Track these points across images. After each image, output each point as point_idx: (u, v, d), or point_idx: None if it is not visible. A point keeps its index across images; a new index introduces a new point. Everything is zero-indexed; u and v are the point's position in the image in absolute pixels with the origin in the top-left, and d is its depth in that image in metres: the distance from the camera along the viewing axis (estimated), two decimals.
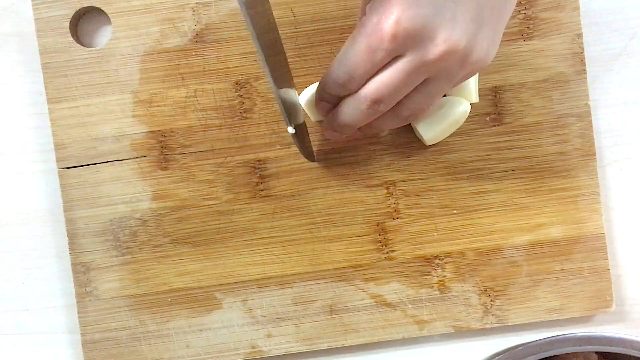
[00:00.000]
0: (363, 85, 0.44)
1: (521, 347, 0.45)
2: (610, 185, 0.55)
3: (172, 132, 0.53)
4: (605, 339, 0.44)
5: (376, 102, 0.44)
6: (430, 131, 0.51)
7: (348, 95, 0.45)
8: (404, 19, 0.40)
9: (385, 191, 0.54)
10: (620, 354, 0.45)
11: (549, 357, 0.45)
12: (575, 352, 0.46)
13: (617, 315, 0.55)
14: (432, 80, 0.44)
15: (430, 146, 0.53)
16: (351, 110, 0.45)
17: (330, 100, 0.47)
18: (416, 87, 0.44)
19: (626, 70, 0.55)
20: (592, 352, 0.47)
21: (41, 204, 0.55)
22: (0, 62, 0.55)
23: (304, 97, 0.50)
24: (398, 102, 0.45)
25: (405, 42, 0.41)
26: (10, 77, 0.55)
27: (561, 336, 0.45)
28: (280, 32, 0.52)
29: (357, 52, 0.42)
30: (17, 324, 0.55)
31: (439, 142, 0.53)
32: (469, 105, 0.52)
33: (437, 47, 0.41)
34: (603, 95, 0.55)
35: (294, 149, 0.53)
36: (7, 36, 0.55)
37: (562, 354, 0.45)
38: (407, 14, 0.40)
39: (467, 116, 0.52)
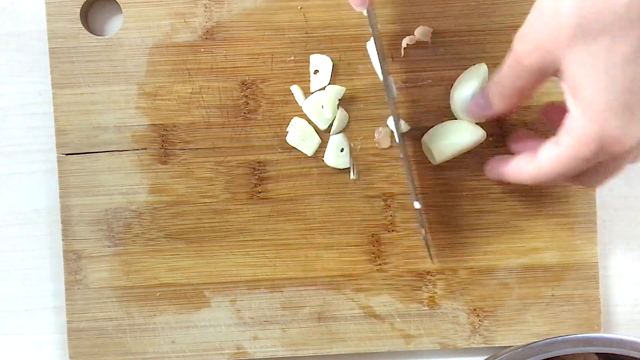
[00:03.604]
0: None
1: (521, 349, 0.45)
2: (610, 185, 0.55)
3: (175, 127, 0.53)
4: (605, 340, 0.45)
5: (557, 178, 0.45)
6: (442, 154, 0.51)
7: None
8: (632, 143, 0.41)
9: (383, 203, 0.53)
10: (620, 355, 0.45)
11: (549, 358, 0.45)
12: (575, 353, 0.46)
13: (616, 316, 0.55)
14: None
15: (430, 162, 0.53)
16: (527, 174, 0.46)
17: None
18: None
19: None
20: (592, 353, 0.47)
21: (40, 204, 0.55)
22: (0, 62, 0.54)
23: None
24: None
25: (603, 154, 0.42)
26: (9, 77, 0.54)
27: (561, 337, 0.45)
28: (290, 35, 0.53)
29: (569, 167, 0.43)
30: (17, 324, 0.55)
31: None
32: (485, 134, 0.51)
33: (631, 151, 0.42)
34: None
35: (295, 153, 0.53)
36: (7, 36, 0.54)
37: (562, 355, 0.46)
38: (634, 139, 0.41)
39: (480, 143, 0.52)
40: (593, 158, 0.42)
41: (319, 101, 0.52)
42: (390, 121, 0.53)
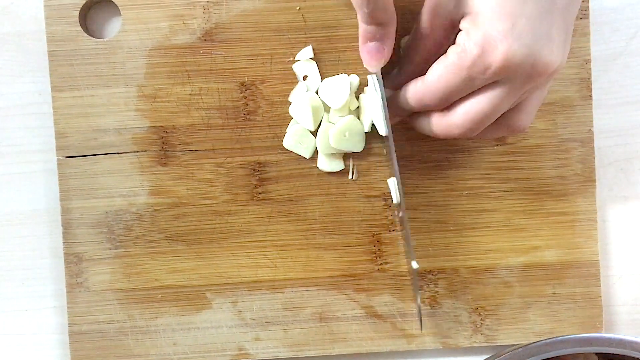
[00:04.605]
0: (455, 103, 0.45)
1: (522, 349, 0.45)
2: (610, 185, 0.55)
3: (174, 128, 0.53)
4: (605, 340, 0.45)
5: (472, 130, 0.45)
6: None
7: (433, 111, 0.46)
8: (511, 54, 0.41)
9: (383, 203, 0.53)
10: (620, 355, 0.45)
11: (550, 358, 0.46)
12: (575, 353, 0.46)
13: (616, 316, 0.56)
14: (526, 93, 0.44)
15: (430, 161, 0.53)
16: (441, 129, 0.46)
17: (401, 114, 0.49)
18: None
19: (627, 69, 0.55)
20: (592, 353, 0.48)
21: (40, 204, 0.55)
22: (0, 62, 0.54)
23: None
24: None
25: (510, 73, 0.42)
26: (9, 77, 0.54)
27: (561, 337, 0.45)
28: (289, 36, 0.53)
29: (453, 81, 0.43)
30: (17, 324, 0.55)
31: (440, 157, 0.53)
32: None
33: (538, 72, 0.42)
34: (603, 95, 0.55)
35: (295, 153, 0.53)
36: (7, 36, 0.54)
37: (562, 355, 0.46)
38: (514, 48, 0.41)
39: None
40: (477, 68, 0.42)
41: (305, 107, 0.52)
42: (392, 181, 0.52)
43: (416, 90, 0.46)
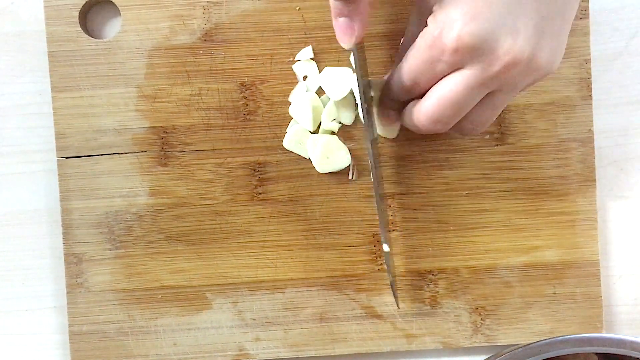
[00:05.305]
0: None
1: (522, 349, 0.45)
2: (610, 185, 0.55)
3: (174, 129, 0.53)
4: (605, 339, 0.45)
5: (437, 121, 0.44)
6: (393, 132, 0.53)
7: (411, 101, 0.46)
8: (465, 34, 0.40)
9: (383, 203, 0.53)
10: (620, 355, 0.45)
11: (550, 358, 0.46)
12: (575, 353, 0.46)
13: (616, 316, 0.56)
14: (496, 93, 0.44)
15: (430, 161, 0.53)
16: (413, 123, 0.46)
17: (393, 106, 0.49)
18: (480, 100, 0.44)
19: (627, 69, 0.55)
20: (592, 353, 0.48)
21: (41, 204, 0.55)
22: (0, 62, 0.54)
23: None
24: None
25: (466, 56, 0.41)
26: (9, 77, 0.54)
27: (561, 337, 0.45)
28: (289, 37, 0.53)
29: (419, 61, 0.43)
30: (17, 324, 0.55)
31: (440, 157, 0.53)
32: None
33: (498, 60, 0.41)
34: (603, 95, 0.55)
35: (295, 154, 0.53)
36: (7, 36, 0.54)
37: (563, 355, 0.46)
38: (468, 29, 0.40)
39: None
40: (436, 49, 0.41)
41: (305, 107, 0.52)
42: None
43: (398, 74, 0.46)
